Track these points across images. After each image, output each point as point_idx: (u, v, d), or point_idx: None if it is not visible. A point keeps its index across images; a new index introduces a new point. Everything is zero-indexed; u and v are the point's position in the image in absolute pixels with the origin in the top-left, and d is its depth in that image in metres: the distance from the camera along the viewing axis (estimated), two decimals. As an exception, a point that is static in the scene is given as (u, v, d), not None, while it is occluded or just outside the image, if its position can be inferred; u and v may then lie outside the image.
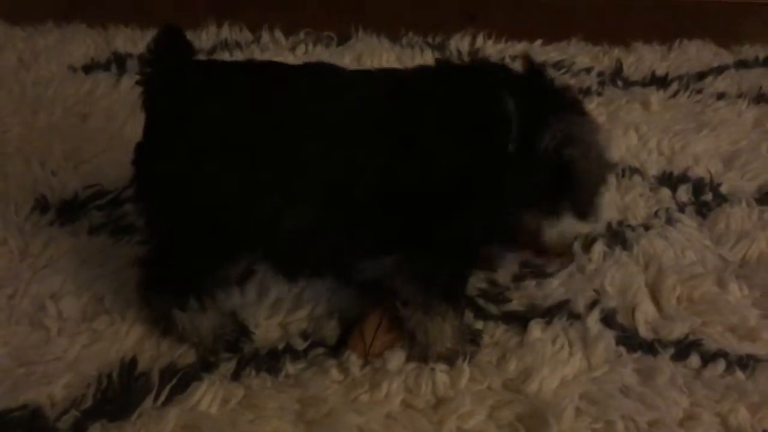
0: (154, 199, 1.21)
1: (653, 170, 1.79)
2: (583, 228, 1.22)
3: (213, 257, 1.23)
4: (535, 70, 1.19)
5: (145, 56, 1.21)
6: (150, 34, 1.24)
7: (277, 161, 1.13)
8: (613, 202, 1.67)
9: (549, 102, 1.16)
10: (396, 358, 1.28)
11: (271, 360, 1.29)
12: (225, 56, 2.13)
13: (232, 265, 1.26)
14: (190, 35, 2.09)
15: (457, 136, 1.14)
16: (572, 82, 2.13)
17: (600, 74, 2.18)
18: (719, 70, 2.22)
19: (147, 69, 1.20)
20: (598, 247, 1.53)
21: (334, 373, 1.27)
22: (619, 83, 2.14)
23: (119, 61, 2.10)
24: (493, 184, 1.14)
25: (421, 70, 1.25)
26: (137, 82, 1.21)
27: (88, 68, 2.07)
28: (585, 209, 1.20)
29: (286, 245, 1.21)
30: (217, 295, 1.29)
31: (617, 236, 1.57)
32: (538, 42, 2.32)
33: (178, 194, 1.16)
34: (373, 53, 2.19)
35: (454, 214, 1.15)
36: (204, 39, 2.18)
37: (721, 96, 2.09)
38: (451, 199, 1.14)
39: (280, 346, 1.31)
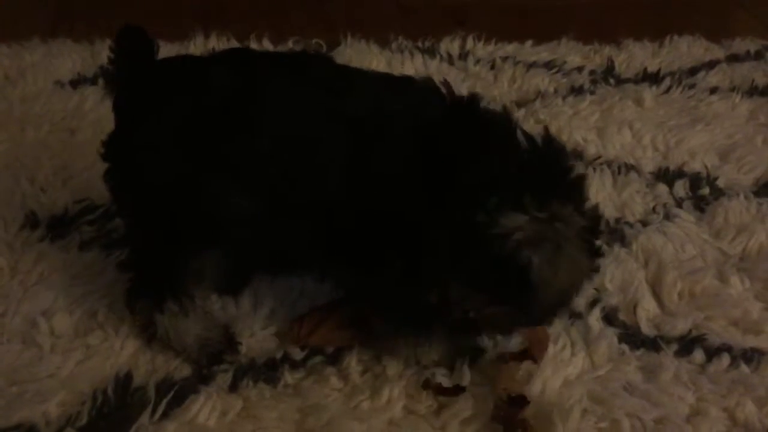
0: (119, 191, 1.23)
1: (649, 166, 1.79)
2: None
3: (178, 250, 1.21)
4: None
5: (108, 56, 1.23)
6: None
7: (230, 154, 1.11)
8: (609, 200, 1.67)
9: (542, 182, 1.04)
10: (395, 364, 1.26)
11: (268, 370, 1.27)
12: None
13: (200, 259, 1.22)
14: (177, 46, 2.14)
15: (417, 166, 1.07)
16: (564, 81, 2.13)
17: (592, 73, 2.18)
18: (711, 64, 2.23)
19: (111, 69, 1.23)
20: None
21: (334, 381, 1.25)
22: (612, 81, 2.14)
23: (106, 75, 2.07)
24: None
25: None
26: (105, 82, 1.24)
27: (76, 83, 2.05)
28: (540, 317, 1.12)
29: (234, 237, 1.19)
30: (200, 298, 1.27)
31: (615, 233, 1.57)
32: (529, 43, 2.31)
33: (138, 185, 1.17)
34: (363, 59, 2.17)
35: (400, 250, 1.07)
36: (192, 49, 2.16)
37: (714, 90, 2.10)
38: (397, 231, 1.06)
39: (278, 356, 1.29)
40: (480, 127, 1.10)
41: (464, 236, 1.01)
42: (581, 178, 1.09)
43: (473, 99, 1.13)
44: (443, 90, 1.13)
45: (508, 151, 1.06)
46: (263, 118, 1.11)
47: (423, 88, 1.15)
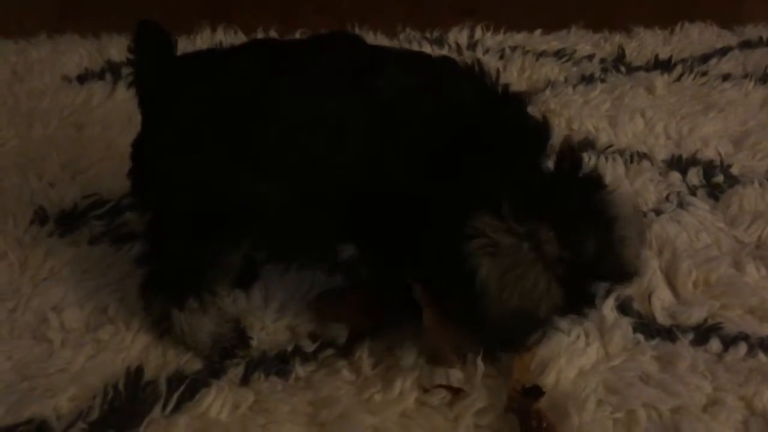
0: (145, 188, 1.21)
1: (662, 155, 1.77)
2: None
3: (204, 246, 1.19)
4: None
5: (128, 55, 1.22)
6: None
7: (256, 145, 1.10)
8: (622, 189, 1.65)
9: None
10: (408, 355, 1.25)
11: (280, 363, 1.26)
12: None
13: (226, 254, 1.21)
14: (184, 40, 2.14)
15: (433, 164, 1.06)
16: (574, 70, 2.12)
17: (602, 61, 2.17)
18: (723, 51, 2.22)
19: (132, 66, 1.22)
20: (610, 234, 1.49)
21: (346, 374, 1.24)
22: (622, 69, 2.13)
23: (114, 70, 2.07)
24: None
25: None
26: (130, 83, 1.23)
27: (83, 78, 2.05)
28: (491, 333, 1.09)
29: (264, 228, 1.17)
30: (219, 294, 1.26)
31: (629, 222, 1.54)
32: (538, 32, 2.30)
33: (164, 181, 1.16)
34: (371, 50, 2.16)
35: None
36: (199, 43, 2.17)
37: (726, 77, 2.08)
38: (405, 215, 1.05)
39: (289, 349, 1.28)
40: (522, 131, 1.08)
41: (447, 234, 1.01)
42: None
43: (521, 101, 1.11)
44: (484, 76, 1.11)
45: (538, 164, 1.06)
46: (288, 106, 1.10)
47: (455, 68, 1.13)
